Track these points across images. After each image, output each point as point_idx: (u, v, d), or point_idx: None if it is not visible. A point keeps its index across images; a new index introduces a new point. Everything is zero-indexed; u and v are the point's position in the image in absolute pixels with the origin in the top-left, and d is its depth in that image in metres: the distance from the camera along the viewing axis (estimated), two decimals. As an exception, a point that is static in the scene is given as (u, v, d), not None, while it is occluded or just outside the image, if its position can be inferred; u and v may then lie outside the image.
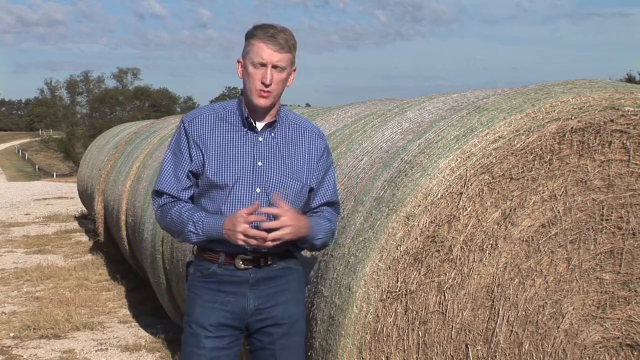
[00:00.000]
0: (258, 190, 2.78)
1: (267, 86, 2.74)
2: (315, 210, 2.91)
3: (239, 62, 2.84)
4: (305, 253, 3.18)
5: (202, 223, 2.75)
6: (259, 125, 2.84)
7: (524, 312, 3.11)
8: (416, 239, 2.87)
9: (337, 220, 2.99)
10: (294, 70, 2.85)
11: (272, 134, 2.85)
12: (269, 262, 2.80)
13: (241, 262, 2.77)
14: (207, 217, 2.76)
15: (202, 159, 2.80)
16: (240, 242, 2.66)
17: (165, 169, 2.87)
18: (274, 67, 2.75)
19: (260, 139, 2.82)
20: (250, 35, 2.79)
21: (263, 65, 2.74)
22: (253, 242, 2.65)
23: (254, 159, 2.79)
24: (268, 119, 2.84)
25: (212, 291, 2.81)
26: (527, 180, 2.99)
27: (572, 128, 2.95)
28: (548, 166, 2.99)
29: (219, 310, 2.80)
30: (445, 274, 2.97)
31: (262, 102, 2.77)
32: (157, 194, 2.89)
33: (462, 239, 2.95)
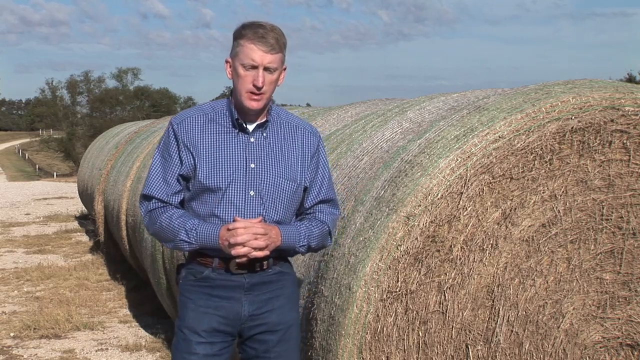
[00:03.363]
0: (252, 193, 2.71)
1: (259, 89, 2.66)
2: (309, 211, 2.84)
3: (227, 62, 2.75)
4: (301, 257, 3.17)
5: (195, 232, 2.67)
6: (250, 126, 2.76)
7: (524, 312, 3.11)
8: (416, 238, 2.87)
9: (336, 218, 2.91)
10: (284, 69, 2.76)
11: (264, 134, 2.77)
12: (264, 267, 2.74)
13: (236, 267, 2.70)
14: (201, 226, 2.68)
15: (192, 162, 2.71)
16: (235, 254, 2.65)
17: (154, 172, 2.78)
18: (266, 69, 2.66)
19: (252, 140, 2.75)
20: (239, 35, 2.68)
21: (254, 67, 2.65)
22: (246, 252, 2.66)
23: (246, 161, 2.72)
24: (259, 119, 2.77)
25: (205, 295, 2.73)
26: (528, 180, 2.98)
27: (572, 128, 2.95)
28: (548, 166, 2.99)
29: (213, 315, 2.72)
30: (446, 274, 2.97)
31: (254, 105, 2.69)
32: (146, 198, 2.79)
33: (462, 238, 2.95)
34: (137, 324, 6.83)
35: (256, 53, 2.64)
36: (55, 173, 39.62)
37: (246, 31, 2.67)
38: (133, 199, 7.48)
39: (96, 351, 6.00)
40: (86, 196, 12.85)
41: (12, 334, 6.49)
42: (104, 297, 7.87)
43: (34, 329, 6.56)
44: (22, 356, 5.91)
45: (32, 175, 37.95)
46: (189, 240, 2.69)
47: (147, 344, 6.11)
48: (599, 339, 3.23)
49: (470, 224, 2.95)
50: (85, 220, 14.30)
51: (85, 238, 12.35)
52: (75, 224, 14.23)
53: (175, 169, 2.75)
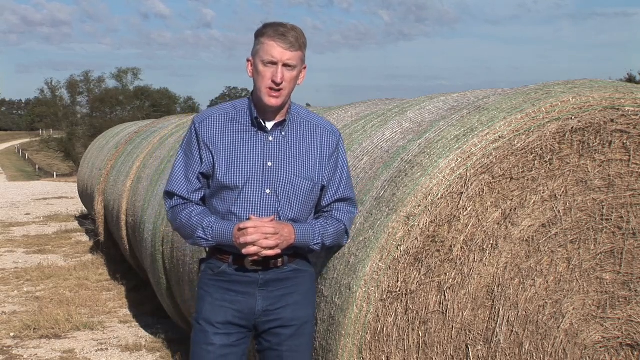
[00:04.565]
0: (268, 191, 2.77)
1: (277, 85, 2.72)
2: (326, 209, 2.90)
3: (248, 60, 2.82)
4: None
5: (211, 229, 2.76)
6: (269, 125, 2.81)
7: (524, 312, 3.11)
8: (416, 238, 2.87)
9: (354, 217, 2.97)
10: (304, 68, 2.83)
11: (283, 133, 2.82)
12: (279, 265, 2.80)
13: (250, 264, 2.77)
14: (217, 224, 2.76)
15: (212, 160, 2.79)
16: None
17: (177, 169, 2.87)
18: (285, 65, 2.72)
19: (270, 138, 2.80)
20: (260, 34, 2.76)
21: (273, 63, 2.71)
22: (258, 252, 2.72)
23: (263, 159, 2.78)
24: (278, 117, 2.82)
25: (221, 290, 2.82)
26: (528, 180, 2.98)
27: (572, 128, 2.95)
28: (548, 166, 2.99)
29: (228, 308, 2.81)
30: (446, 274, 2.97)
31: (272, 101, 2.74)
32: (168, 194, 2.89)
33: (462, 238, 2.95)
34: (137, 324, 6.83)
35: (276, 49, 2.71)
36: (55, 173, 39.62)
37: (267, 29, 2.74)
38: (133, 199, 7.47)
39: (96, 351, 6.00)
40: (86, 196, 12.85)
41: (12, 334, 6.49)
42: (104, 297, 7.86)
43: (34, 329, 6.56)
44: (22, 356, 5.91)
45: (32, 175, 37.95)
46: (205, 237, 2.78)
47: (147, 344, 6.11)
48: (599, 339, 3.23)
49: (470, 224, 2.95)
50: (85, 220, 14.29)
51: (85, 238, 12.35)
52: (75, 224, 14.23)
53: (197, 167, 2.83)
